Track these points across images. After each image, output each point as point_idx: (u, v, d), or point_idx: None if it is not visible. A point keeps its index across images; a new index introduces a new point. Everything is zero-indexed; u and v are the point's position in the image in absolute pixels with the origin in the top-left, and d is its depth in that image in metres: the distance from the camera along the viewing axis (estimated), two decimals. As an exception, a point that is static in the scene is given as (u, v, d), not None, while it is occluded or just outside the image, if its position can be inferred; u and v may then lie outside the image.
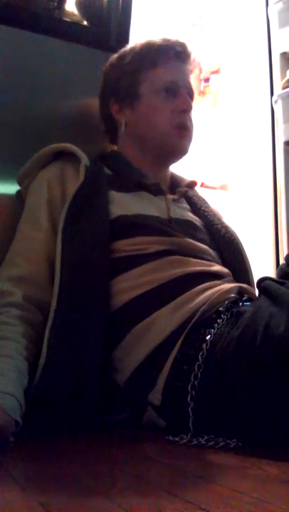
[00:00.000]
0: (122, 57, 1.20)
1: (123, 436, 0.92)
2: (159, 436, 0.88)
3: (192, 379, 0.87)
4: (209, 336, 0.90)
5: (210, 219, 1.21)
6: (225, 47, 2.11)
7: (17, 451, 0.77)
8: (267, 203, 1.89)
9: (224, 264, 1.13)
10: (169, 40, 1.18)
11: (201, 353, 0.88)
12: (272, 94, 1.90)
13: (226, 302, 0.98)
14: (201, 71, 2.09)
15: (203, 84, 2.11)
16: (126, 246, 1.01)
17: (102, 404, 0.94)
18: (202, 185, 1.94)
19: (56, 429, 0.89)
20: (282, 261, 1.77)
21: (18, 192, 1.16)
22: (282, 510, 0.51)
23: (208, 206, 1.25)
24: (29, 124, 1.22)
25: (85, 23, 1.38)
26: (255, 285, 1.00)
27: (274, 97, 1.86)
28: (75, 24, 1.36)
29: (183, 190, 1.22)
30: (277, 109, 1.84)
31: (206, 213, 1.22)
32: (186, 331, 0.92)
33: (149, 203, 1.11)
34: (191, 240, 1.08)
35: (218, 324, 0.92)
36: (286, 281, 0.95)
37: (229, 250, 1.18)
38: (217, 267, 1.08)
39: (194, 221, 1.17)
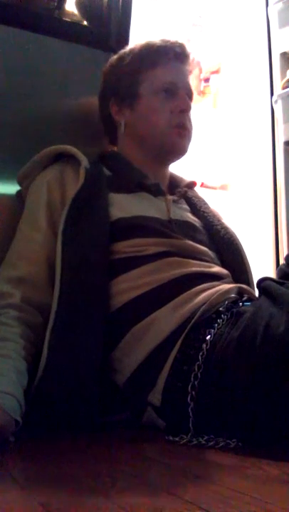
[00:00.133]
0: (121, 58, 1.20)
1: (123, 436, 0.92)
2: (159, 436, 0.88)
3: (192, 379, 0.87)
4: (209, 336, 0.90)
5: (209, 220, 1.21)
6: (225, 47, 2.11)
7: (17, 451, 0.77)
8: (267, 203, 1.89)
9: (224, 265, 1.13)
10: (168, 41, 1.19)
11: (201, 353, 0.88)
12: (272, 94, 1.90)
13: (226, 302, 0.98)
14: (201, 71, 2.09)
15: (203, 84, 2.11)
16: (125, 247, 1.01)
17: (102, 404, 0.94)
18: (202, 185, 1.95)
19: (56, 429, 0.89)
20: (282, 261, 1.77)
21: (18, 192, 1.16)
22: (282, 510, 0.51)
23: (207, 207, 1.26)
24: (29, 124, 1.22)
25: (85, 23, 1.38)
26: (255, 285, 1.00)
27: (274, 97, 1.86)
28: (75, 24, 1.36)
29: (182, 191, 1.22)
30: (277, 109, 1.85)
31: (205, 214, 1.22)
32: (186, 331, 0.92)
33: (148, 204, 1.11)
34: (190, 242, 1.08)
35: (218, 324, 0.92)
36: (286, 281, 0.95)
37: (229, 251, 1.18)
38: (216, 268, 1.08)
39: (194, 222, 1.17)
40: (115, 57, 1.22)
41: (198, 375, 0.87)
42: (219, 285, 1.02)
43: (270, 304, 0.88)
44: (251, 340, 0.84)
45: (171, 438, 0.85)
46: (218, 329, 0.91)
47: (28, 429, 0.82)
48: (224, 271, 1.10)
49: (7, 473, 0.65)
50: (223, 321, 0.93)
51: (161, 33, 1.67)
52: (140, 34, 1.52)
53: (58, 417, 0.90)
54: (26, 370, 0.88)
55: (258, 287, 0.98)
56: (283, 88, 1.82)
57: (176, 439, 0.84)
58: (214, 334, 0.90)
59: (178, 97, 1.16)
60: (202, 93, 2.11)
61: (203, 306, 0.95)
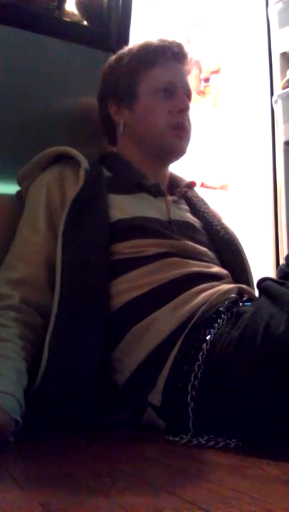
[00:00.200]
0: (120, 59, 1.20)
1: (123, 436, 0.92)
2: (159, 436, 0.88)
3: (192, 379, 0.87)
4: (209, 336, 0.90)
5: (209, 220, 1.21)
6: (225, 47, 2.11)
7: (17, 451, 0.77)
8: (267, 203, 1.89)
9: (223, 266, 1.13)
10: (166, 40, 1.19)
11: (201, 353, 0.88)
12: (272, 94, 1.90)
13: (226, 302, 0.98)
14: (201, 71, 2.09)
15: (203, 84, 2.11)
16: (125, 248, 1.01)
17: (102, 404, 0.94)
18: (202, 185, 1.95)
19: (56, 429, 0.89)
20: (282, 261, 1.77)
21: (18, 192, 1.16)
22: (282, 510, 0.51)
23: (207, 207, 1.26)
24: (29, 124, 1.22)
25: (85, 23, 1.38)
26: (256, 285, 1.00)
27: (274, 97, 1.86)
28: (75, 24, 1.36)
29: (182, 191, 1.22)
30: (277, 109, 1.85)
31: (205, 214, 1.22)
32: (186, 331, 0.92)
33: (148, 204, 1.11)
34: (190, 242, 1.08)
35: (219, 324, 0.92)
36: (286, 281, 0.95)
37: (228, 251, 1.18)
38: (216, 269, 1.08)
39: (194, 223, 1.17)
40: (114, 57, 1.22)
41: (199, 375, 0.87)
42: (219, 285, 1.02)
43: (270, 304, 0.88)
44: (251, 340, 0.84)
45: (171, 438, 0.85)
46: (218, 329, 0.91)
47: (28, 429, 0.82)
48: (224, 271, 1.10)
49: (7, 473, 0.65)
50: (223, 321, 0.93)
51: (161, 33, 1.67)
52: (140, 34, 1.52)
53: (58, 417, 0.90)
54: (26, 371, 0.88)
55: (258, 287, 0.98)
56: (283, 88, 1.82)
57: (176, 439, 0.84)
58: (214, 334, 0.90)
59: (176, 97, 1.16)
60: (202, 93, 2.11)
61: (203, 306, 0.95)
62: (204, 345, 0.89)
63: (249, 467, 0.71)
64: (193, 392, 0.87)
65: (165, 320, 0.95)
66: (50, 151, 1.12)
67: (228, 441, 0.82)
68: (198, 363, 0.88)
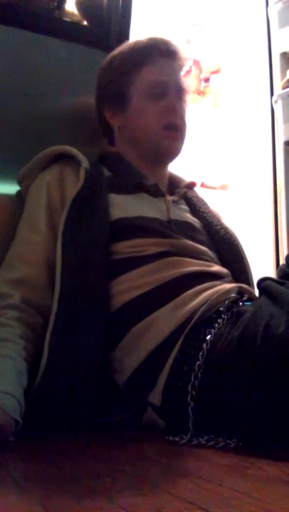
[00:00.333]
0: (110, 62, 1.20)
1: (123, 436, 0.92)
2: (159, 436, 0.88)
3: (192, 379, 0.87)
4: (210, 336, 0.90)
5: (209, 220, 1.21)
6: (225, 47, 2.11)
7: (17, 451, 0.77)
8: (267, 203, 1.89)
9: (223, 265, 1.13)
10: (152, 39, 1.18)
11: (201, 353, 0.88)
12: (272, 94, 1.90)
13: (226, 302, 0.98)
14: (201, 71, 2.09)
15: (203, 84, 2.11)
16: (125, 248, 1.01)
17: (102, 404, 0.94)
18: (202, 185, 1.94)
19: (56, 429, 0.89)
20: (282, 261, 1.77)
21: (18, 192, 1.16)
22: (282, 510, 0.51)
23: (207, 207, 1.25)
24: (29, 124, 1.22)
25: (85, 23, 1.38)
26: (256, 285, 1.00)
27: (274, 97, 1.86)
28: (75, 24, 1.37)
29: (182, 192, 1.22)
30: (277, 109, 1.85)
31: (205, 214, 1.22)
32: (186, 331, 0.92)
33: (148, 204, 1.11)
34: (190, 242, 1.08)
35: (219, 324, 0.92)
36: (286, 281, 0.95)
37: (228, 251, 1.18)
38: (216, 268, 1.08)
39: (193, 223, 1.17)
40: (105, 60, 1.21)
41: (199, 374, 0.87)
42: (220, 284, 1.02)
43: (270, 304, 0.88)
44: (251, 340, 0.84)
45: (171, 438, 0.84)
46: (218, 329, 0.91)
47: (28, 429, 0.82)
48: (224, 270, 1.10)
49: (7, 474, 0.65)
50: (223, 320, 0.93)
51: (162, 33, 1.66)
52: (140, 34, 1.51)
53: (58, 416, 0.90)
54: (26, 371, 0.88)
55: (258, 287, 0.98)
56: (283, 88, 1.82)
57: (176, 439, 0.84)
58: (214, 334, 0.90)
59: (166, 97, 1.15)
60: (202, 93, 2.10)
61: (204, 306, 0.95)
62: (204, 345, 0.89)
63: (249, 467, 0.71)
64: (194, 392, 0.87)
65: (165, 320, 0.95)
66: (50, 150, 1.12)
67: (228, 441, 0.82)
68: (198, 362, 0.88)
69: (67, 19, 1.35)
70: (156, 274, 0.99)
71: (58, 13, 1.34)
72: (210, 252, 1.11)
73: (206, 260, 1.08)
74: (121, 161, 1.18)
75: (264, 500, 0.54)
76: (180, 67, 1.20)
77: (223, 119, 2.06)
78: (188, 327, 0.93)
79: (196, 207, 1.23)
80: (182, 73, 1.22)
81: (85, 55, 1.32)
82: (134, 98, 1.16)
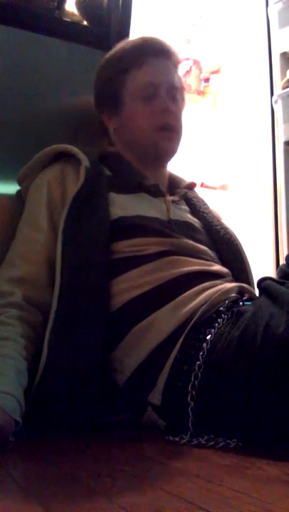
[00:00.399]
0: (104, 65, 1.20)
1: (123, 436, 0.92)
2: (159, 436, 0.88)
3: (192, 379, 0.87)
4: (210, 336, 0.90)
5: (209, 220, 1.21)
6: (225, 47, 2.11)
7: (17, 451, 0.77)
8: (267, 203, 1.89)
9: (224, 265, 1.13)
10: (143, 38, 1.17)
11: (201, 353, 0.88)
12: (272, 94, 1.90)
13: (227, 302, 0.98)
14: (201, 71, 2.09)
15: (203, 84, 2.11)
16: (125, 247, 1.01)
17: (102, 404, 0.94)
18: (202, 185, 1.94)
19: (56, 429, 0.89)
20: (282, 261, 1.77)
21: (18, 192, 1.16)
22: (282, 510, 0.51)
23: (207, 207, 1.25)
24: (29, 124, 1.22)
25: (85, 23, 1.38)
26: (256, 285, 1.00)
27: (274, 97, 1.86)
28: (75, 24, 1.37)
29: (182, 192, 1.22)
30: (277, 109, 1.85)
31: (205, 215, 1.22)
32: (186, 330, 0.92)
33: (148, 204, 1.11)
34: (190, 241, 1.08)
35: (219, 324, 0.92)
36: (286, 281, 0.95)
37: (228, 251, 1.18)
38: (217, 267, 1.08)
39: (193, 223, 1.17)
40: (100, 63, 1.21)
41: (199, 374, 0.87)
42: (220, 284, 1.02)
43: (271, 304, 0.88)
44: (251, 340, 0.84)
45: (171, 438, 0.84)
46: (218, 329, 0.91)
47: (28, 429, 0.82)
48: (225, 269, 1.10)
49: (7, 474, 0.65)
50: (223, 320, 0.93)
51: (162, 33, 1.66)
52: (140, 34, 1.51)
53: (58, 416, 0.90)
54: (26, 370, 0.88)
55: (258, 287, 0.98)
56: (283, 88, 1.82)
57: (176, 439, 0.84)
58: (215, 334, 0.90)
59: (158, 98, 1.14)
60: (202, 93, 2.10)
61: (204, 306, 0.95)
62: (204, 345, 0.89)
63: (249, 467, 0.71)
64: (194, 392, 0.87)
65: (165, 320, 0.94)
66: (51, 149, 1.12)
67: (228, 441, 0.82)
68: (198, 362, 0.88)
69: (67, 19, 1.35)
70: (157, 273, 0.99)
71: (58, 13, 1.34)
72: (210, 252, 1.11)
73: (207, 260, 1.08)
74: (121, 160, 1.18)
75: (264, 500, 0.54)
76: (174, 65, 1.19)
77: (223, 119, 2.06)
78: (189, 327, 0.93)
79: (196, 207, 1.23)
80: (177, 70, 1.20)
81: (85, 55, 1.32)
82: (126, 101, 1.16)
